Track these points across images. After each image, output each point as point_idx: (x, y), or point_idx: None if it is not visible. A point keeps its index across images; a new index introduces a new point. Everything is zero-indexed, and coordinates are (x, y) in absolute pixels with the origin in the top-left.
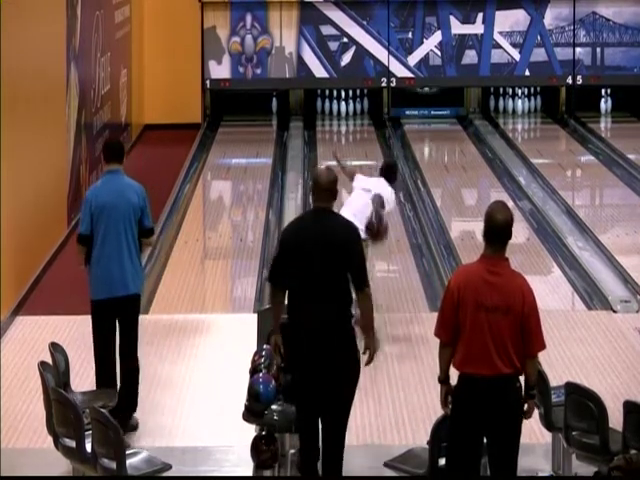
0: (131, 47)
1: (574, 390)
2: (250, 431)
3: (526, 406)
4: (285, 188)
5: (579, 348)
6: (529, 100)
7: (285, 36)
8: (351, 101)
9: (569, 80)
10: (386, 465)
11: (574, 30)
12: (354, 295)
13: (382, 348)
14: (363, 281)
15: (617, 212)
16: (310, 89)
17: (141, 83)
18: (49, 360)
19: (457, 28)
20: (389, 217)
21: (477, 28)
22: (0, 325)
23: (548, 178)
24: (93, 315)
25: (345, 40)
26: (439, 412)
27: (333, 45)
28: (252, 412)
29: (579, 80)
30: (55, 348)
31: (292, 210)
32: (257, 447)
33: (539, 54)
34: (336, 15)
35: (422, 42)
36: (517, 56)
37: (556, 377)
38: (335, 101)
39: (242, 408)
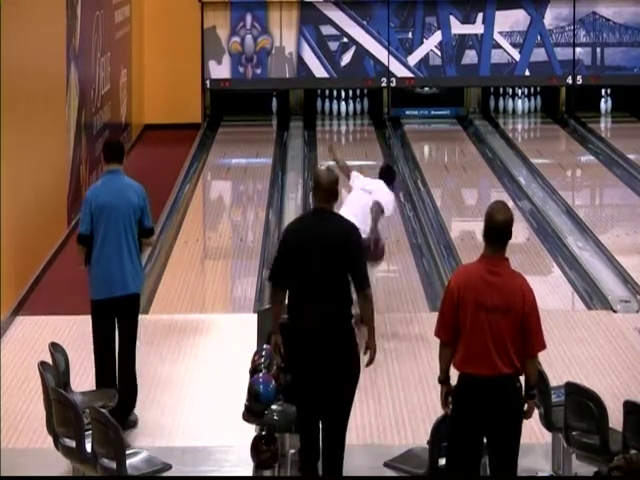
0: (131, 47)
1: (574, 390)
2: (250, 431)
3: (526, 406)
4: (285, 188)
5: (579, 348)
6: (529, 100)
7: (285, 36)
8: (351, 101)
9: (569, 80)
10: (386, 465)
11: (574, 30)
12: (354, 295)
13: (382, 348)
14: (364, 281)
15: (617, 212)
16: (310, 89)
17: (141, 83)
18: (49, 360)
19: (457, 28)
20: (389, 219)
21: (477, 28)
22: (0, 325)
23: (548, 178)
24: (93, 315)
25: (345, 40)
26: (439, 412)
27: (333, 45)
28: (252, 412)
29: (579, 80)
30: (55, 348)
31: (292, 210)
32: (257, 447)
33: (539, 54)
34: (336, 15)
35: (422, 42)
36: (517, 56)
37: (556, 377)
38: (335, 101)
39: (242, 408)
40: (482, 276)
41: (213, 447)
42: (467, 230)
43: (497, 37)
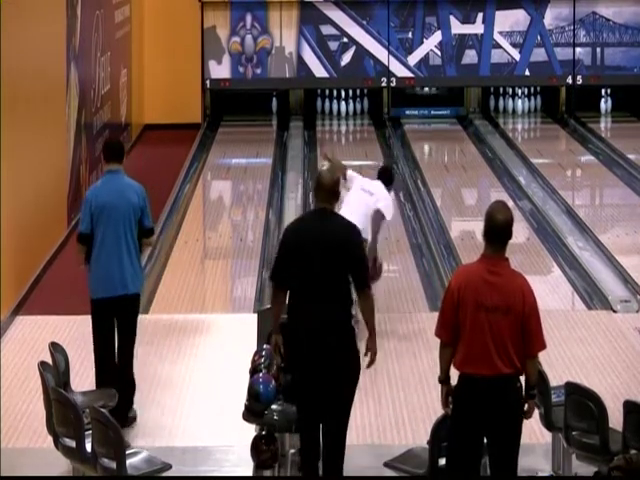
0: (131, 47)
1: (574, 390)
2: (250, 431)
3: (526, 406)
4: (285, 188)
5: (579, 348)
6: (529, 100)
7: (285, 36)
8: (351, 101)
9: (569, 80)
10: (386, 465)
11: (574, 30)
12: (355, 296)
13: (382, 348)
14: (364, 282)
15: (617, 212)
16: (310, 89)
17: (141, 83)
18: (49, 360)
19: (457, 28)
20: (389, 222)
21: (477, 28)
22: (0, 325)
23: (548, 178)
24: (93, 314)
25: (345, 40)
26: (439, 412)
27: (333, 45)
28: (252, 412)
29: (579, 80)
30: (55, 348)
31: (292, 210)
32: (257, 447)
33: (539, 54)
34: (336, 15)
35: (422, 42)
36: (517, 56)
37: (556, 377)
38: (335, 101)
39: (242, 408)
40: (482, 276)
41: (213, 447)
42: (467, 230)
43: (497, 37)
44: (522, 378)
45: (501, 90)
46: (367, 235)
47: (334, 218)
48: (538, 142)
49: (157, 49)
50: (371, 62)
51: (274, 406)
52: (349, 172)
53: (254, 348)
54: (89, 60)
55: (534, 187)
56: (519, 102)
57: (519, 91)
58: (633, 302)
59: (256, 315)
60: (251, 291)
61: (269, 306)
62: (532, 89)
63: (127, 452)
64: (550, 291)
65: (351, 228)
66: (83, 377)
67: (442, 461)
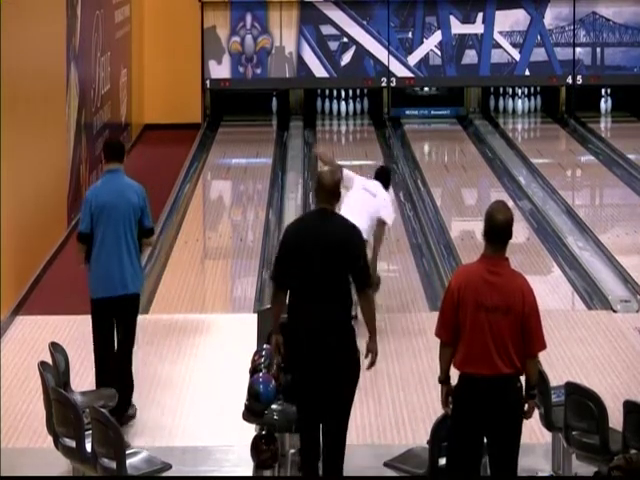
0: (131, 47)
1: (574, 390)
2: (250, 431)
3: (526, 406)
4: (285, 188)
5: (579, 348)
6: (529, 100)
7: (285, 36)
8: (351, 101)
9: (569, 80)
10: (386, 465)
11: (574, 30)
12: (355, 296)
13: (382, 348)
14: (365, 283)
15: (617, 212)
16: (310, 89)
17: (141, 83)
18: (49, 360)
19: (457, 28)
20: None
21: (477, 28)
22: (0, 325)
23: (548, 178)
24: (93, 314)
25: (345, 40)
26: (439, 412)
27: (333, 45)
28: (252, 412)
29: (579, 80)
30: (55, 348)
31: (292, 210)
32: (257, 447)
33: (539, 54)
34: (336, 15)
35: (422, 42)
36: (517, 56)
37: (556, 377)
38: (335, 101)
39: (242, 408)
40: (482, 276)
41: (213, 447)
42: (467, 230)
43: (497, 37)
44: (522, 378)
45: (501, 90)
46: (368, 236)
47: (335, 218)
48: (538, 142)
49: (157, 49)
50: (371, 62)
51: (274, 406)
52: (345, 171)
53: (254, 348)
54: (89, 60)
55: (534, 187)
56: (519, 102)
57: (519, 91)
58: (633, 302)
59: (256, 315)
60: (251, 291)
61: (269, 306)
62: (532, 89)
63: (127, 452)
64: (550, 291)
65: (351, 228)
66: (83, 377)
67: (442, 461)
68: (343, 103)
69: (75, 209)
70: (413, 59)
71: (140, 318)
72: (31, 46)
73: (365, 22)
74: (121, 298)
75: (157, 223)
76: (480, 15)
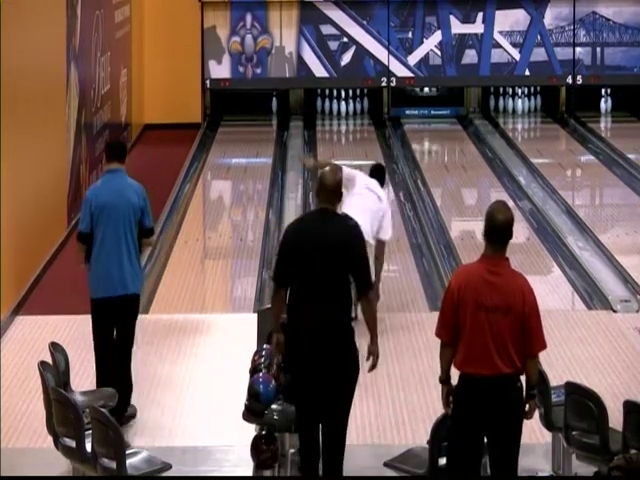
0: (131, 47)
1: (574, 390)
2: (250, 431)
3: (527, 406)
4: (285, 188)
5: (579, 348)
6: (529, 100)
7: (285, 36)
8: (351, 101)
9: (569, 80)
10: (386, 465)
11: (574, 30)
12: (354, 296)
13: (382, 348)
14: (366, 284)
15: (617, 212)
16: (310, 89)
17: (141, 83)
18: (49, 360)
19: (457, 28)
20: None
21: (477, 28)
22: (0, 325)
23: (548, 178)
24: (93, 314)
25: (345, 40)
26: (439, 412)
27: (333, 45)
28: (252, 412)
29: (579, 80)
30: (55, 348)
31: (292, 210)
32: (257, 447)
33: (539, 54)
34: (336, 15)
35: (422, 42)
36: (517, 56)
37: (556, 377)
38: (335, 101)
39: (242, 408)
40: (482, 276)
41: (213, 447)
42: (467, 230)
43: (497, 37)
44: (522, 378)
45: (501, 90)
46: (368, 237)
47: (335, 218)
48: (538, 142)
49: (157, 49)
50: (371, 62)
51: (274, 406)
52: (346, 170)
53: (254, 348)
54: (89, 60)
55: (534, 187)
56: (519, 102)
57: (519, 91)
58: (633, 302)
59: (256, 315)
60: (251, 291)
61: (269, 306)
62: (532, 89)
63: (127, 452)
64: (550, 291)
65: (352, 229)
66: (83, 377)
67: (442, 461)
68: (343, 103)
69: (75, 209)
70: (413, 59)
71: (140, 318)
72: (31, 46)
73: (365, 22)
74: (121, 298)
75: (157, 223)
76: (480, 15)
